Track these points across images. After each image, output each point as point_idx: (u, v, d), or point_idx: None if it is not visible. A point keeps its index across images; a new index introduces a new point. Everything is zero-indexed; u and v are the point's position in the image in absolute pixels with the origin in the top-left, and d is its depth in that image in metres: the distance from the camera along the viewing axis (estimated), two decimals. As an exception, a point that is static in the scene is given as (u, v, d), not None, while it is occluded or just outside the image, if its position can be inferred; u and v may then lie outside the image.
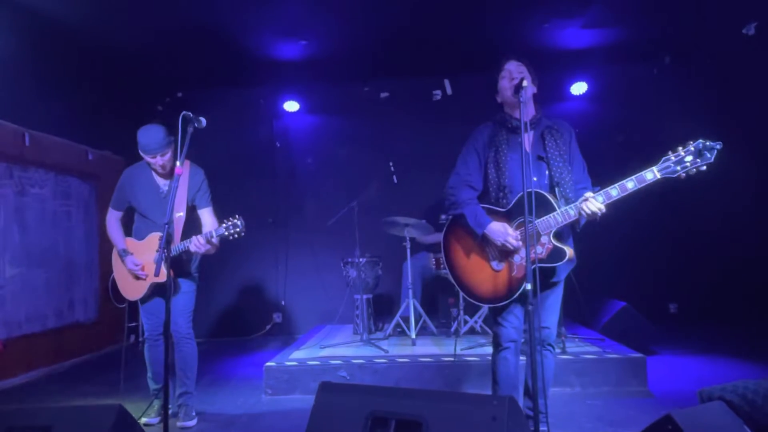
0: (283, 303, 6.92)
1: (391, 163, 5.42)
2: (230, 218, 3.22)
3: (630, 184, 2.49)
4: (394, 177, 5.39)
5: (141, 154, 3.39)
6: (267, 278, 6.94)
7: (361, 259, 5.14)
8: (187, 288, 3.55)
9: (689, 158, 2.41)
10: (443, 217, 5.03)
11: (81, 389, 4.52)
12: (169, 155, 3.39)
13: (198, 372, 3.66)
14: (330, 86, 6.82)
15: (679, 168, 2.43)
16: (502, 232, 2.69)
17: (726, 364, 4.66)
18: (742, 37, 5.52)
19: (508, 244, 2.68)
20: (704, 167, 2.41)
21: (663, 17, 5.45)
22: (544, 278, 2.71)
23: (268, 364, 4.25)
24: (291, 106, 6.82)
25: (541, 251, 2.65)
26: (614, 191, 2.52)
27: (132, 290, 3.54)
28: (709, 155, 2.39)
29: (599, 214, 2.55)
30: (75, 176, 5.76)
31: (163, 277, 3.27)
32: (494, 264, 2.76)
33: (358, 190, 5.32)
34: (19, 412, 2.45)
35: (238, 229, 3.19)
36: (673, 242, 6.31)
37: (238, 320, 6.86)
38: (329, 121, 6.98)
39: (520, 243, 2.68)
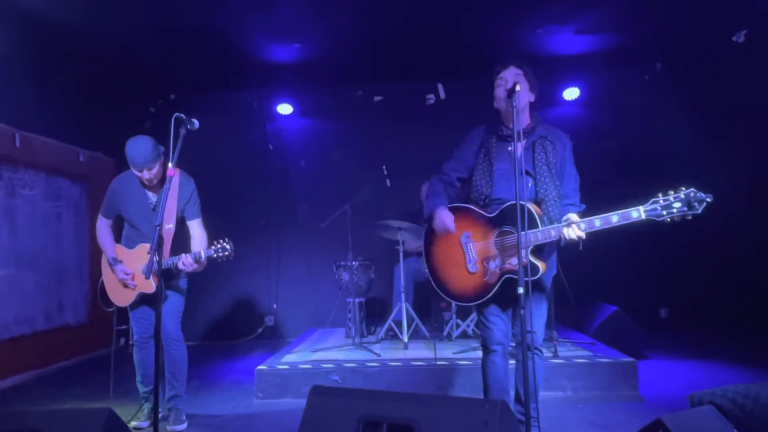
0: (275, 306, 6.89)
1: (384, 167, 5.43)
2: (220, 241, 3.22)
3: (615, 218, 2.49)
4: (387, 180, 5.39)
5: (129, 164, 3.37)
6: (259, 281, 6.90)
7: (353, 263, 5.13)
8: (175, 293, 3.53)
9: (677, 204, 2.41)
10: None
11: (70, 392, 4.48)
12: (155, 170, 3.34)
13: (189, 375, 3.63)
14: (323, 89, 6.81)
15: (665, 213, 2.42)
16: (444, 221, 2.78)
17: (716, 368, 4.68)
18: (732, 45, 5.57)
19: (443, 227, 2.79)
20: (690, 217, 2.41)
21: (654, 24, 5.50)
22: (516, 290, 2.71)
23: (259, 367, 4.23)
24: (284, 108, 6.80)
25: (515, 263, 2.65)
26: (597, 222, 2.52)
27: (121, 297, 3.53)
28: (697, 206, 2.38)
29: (579, 241, 2.55)
30: (66, 177, 5.72)
31: (151, 288, 3.32)
32: (470, 266, 2.79)
33: (351, 193, 5.31)
34: (7, 415, 2.42)
35: (226, 253, 3.20)
36: (664, 247, 6.33)
37: (230, 323, 6.83)
38: (323, 124, 6.98)
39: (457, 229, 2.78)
